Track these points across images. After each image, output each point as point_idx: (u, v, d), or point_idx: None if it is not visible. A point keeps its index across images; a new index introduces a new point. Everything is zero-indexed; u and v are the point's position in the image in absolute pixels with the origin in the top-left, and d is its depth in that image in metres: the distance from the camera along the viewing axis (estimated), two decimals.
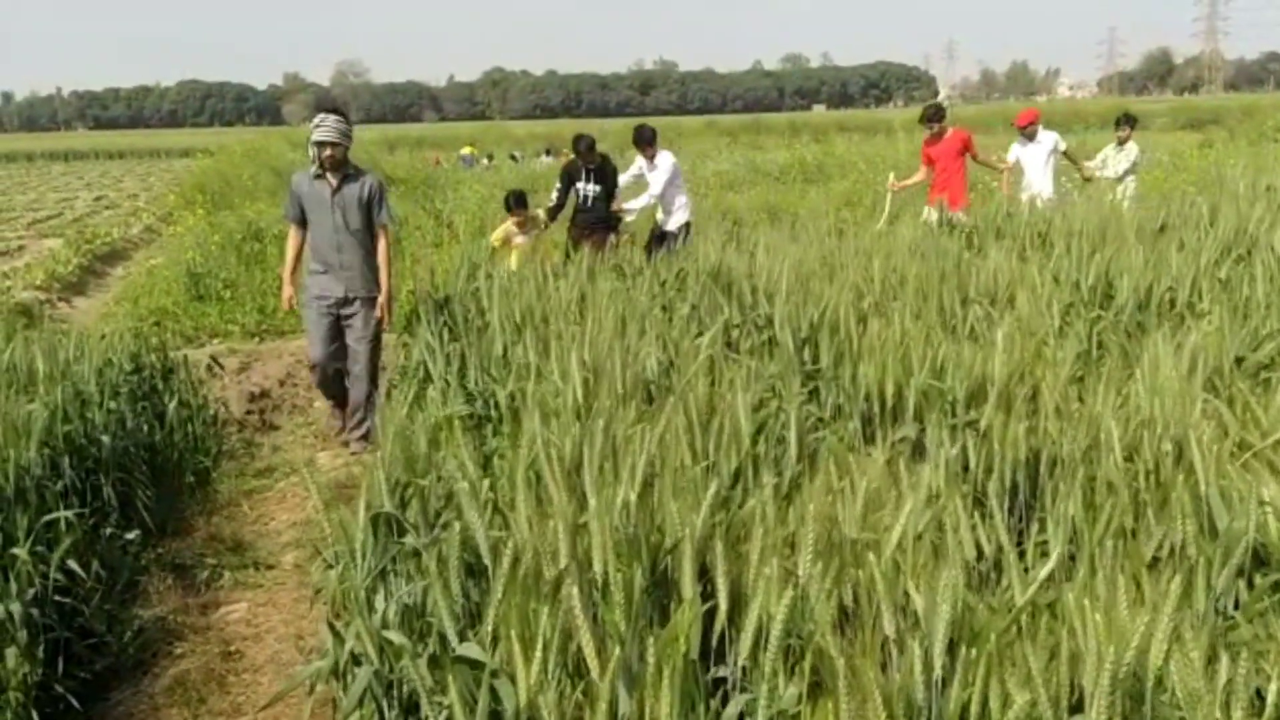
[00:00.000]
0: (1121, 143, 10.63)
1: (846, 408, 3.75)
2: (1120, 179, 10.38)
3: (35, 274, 12.44)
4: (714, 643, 2.05)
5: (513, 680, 1.87)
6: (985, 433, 3.11)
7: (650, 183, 8.94)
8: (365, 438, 5.97)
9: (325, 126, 5.86)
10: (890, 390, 3.59)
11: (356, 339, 6.11)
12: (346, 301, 6.04)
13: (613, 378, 3.24)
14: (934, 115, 9.71)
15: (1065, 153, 10.21)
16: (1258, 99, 46.94)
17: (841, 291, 4.52)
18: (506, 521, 2.39)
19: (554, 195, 8.94)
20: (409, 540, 2.39)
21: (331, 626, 2.32)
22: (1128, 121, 10.66)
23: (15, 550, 3.40)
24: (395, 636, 2.16)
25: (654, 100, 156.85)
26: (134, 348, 5.91)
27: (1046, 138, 10.07)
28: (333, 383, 6.23)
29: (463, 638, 2.10)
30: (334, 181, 5.93)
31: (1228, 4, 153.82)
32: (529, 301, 4.81)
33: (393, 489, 2.58)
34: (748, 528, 2.25)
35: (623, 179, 9.15)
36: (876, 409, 3.63)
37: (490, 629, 1.99)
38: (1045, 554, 2.61)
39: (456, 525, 2.17)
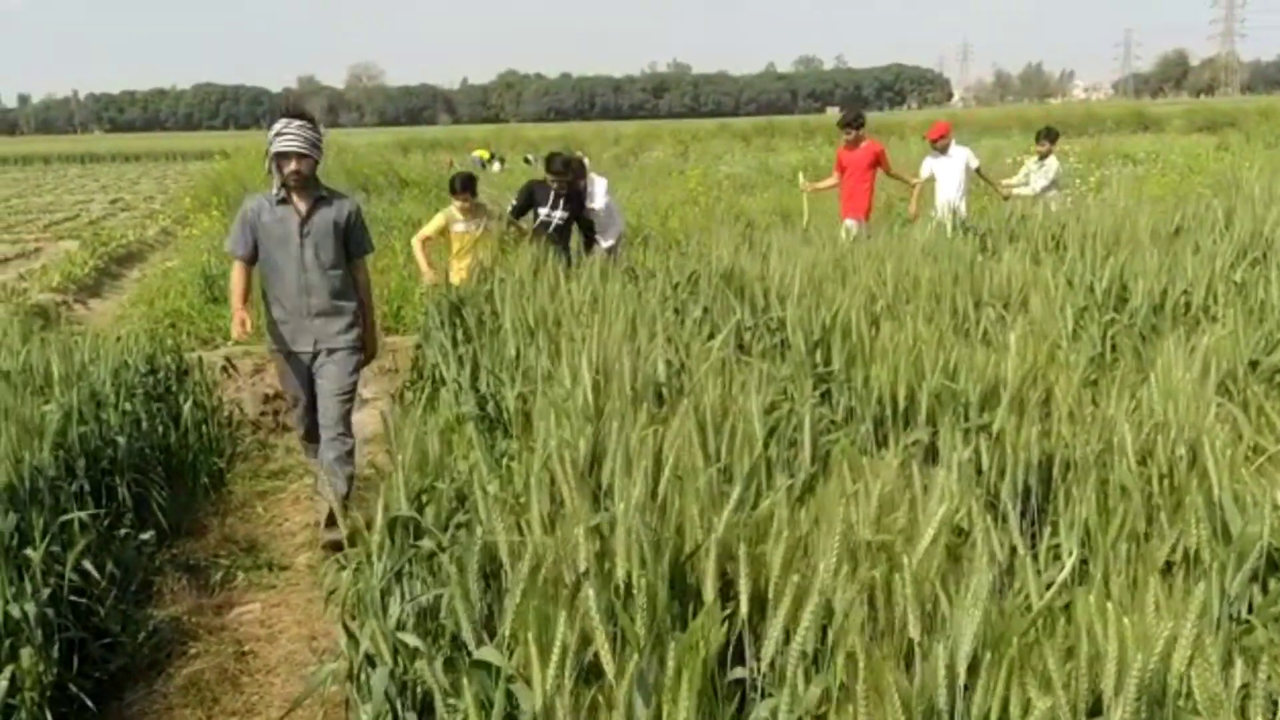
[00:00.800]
0: (1042, 157, 10.21)
1: (859, 410, 3.74)
2: (1040, 195, 9.94)
3: (52, 276, 12.52)
4: (731, 646, 2.05)
5: (528, 684, 1.87)
6: (998, 436, 3.10)
7: (594, 217, 8.30)
8: (337, 545, 3.86)
9: (289, 134, 4.54)
10: (902, 393, 3.58)
11: (331, 392, 4.80)
12: (317, 354, 4.85)
13: (623, 380, 3.24)
14: (852, 121, 9.46)
15: (978, 170, 9.94)
16: (1274, 101, 46.66)
17: (854, 294, 4.52)
18: (519, 524, 2.40)
19: (509, 207, 8.33)
20: (426, 543, 2.39)
21: (346, 628, 2.33)
22: (1048, 136, 10.25)
23: (30, 551, 3.42)
24: (411, 639, 2.16)
25: (667, 103, 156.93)
26: (149, 349, 5.94)
27: (959, 153, 9.78)
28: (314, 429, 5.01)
29: (479, 641, 2.10)
30: (302, 207, 4.69)
31: (1244, 6, 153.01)
32: (542, 304, 4.82)
33: (410, 492, 2.59)
34: (763, 530, 2.25)
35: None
36: (889, 412, 3.62)
37: (507, 632, 2.00)
38: (1059, 558, 2.61)
39: (478, 529, 2.17)
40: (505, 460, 3.09)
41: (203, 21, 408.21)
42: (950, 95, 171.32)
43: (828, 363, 4.16)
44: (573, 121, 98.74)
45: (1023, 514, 2.93)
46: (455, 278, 7.15)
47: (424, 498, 2.60)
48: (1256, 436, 3.03)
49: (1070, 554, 2.39)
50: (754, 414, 2.87)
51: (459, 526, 2.48)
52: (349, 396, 4.88)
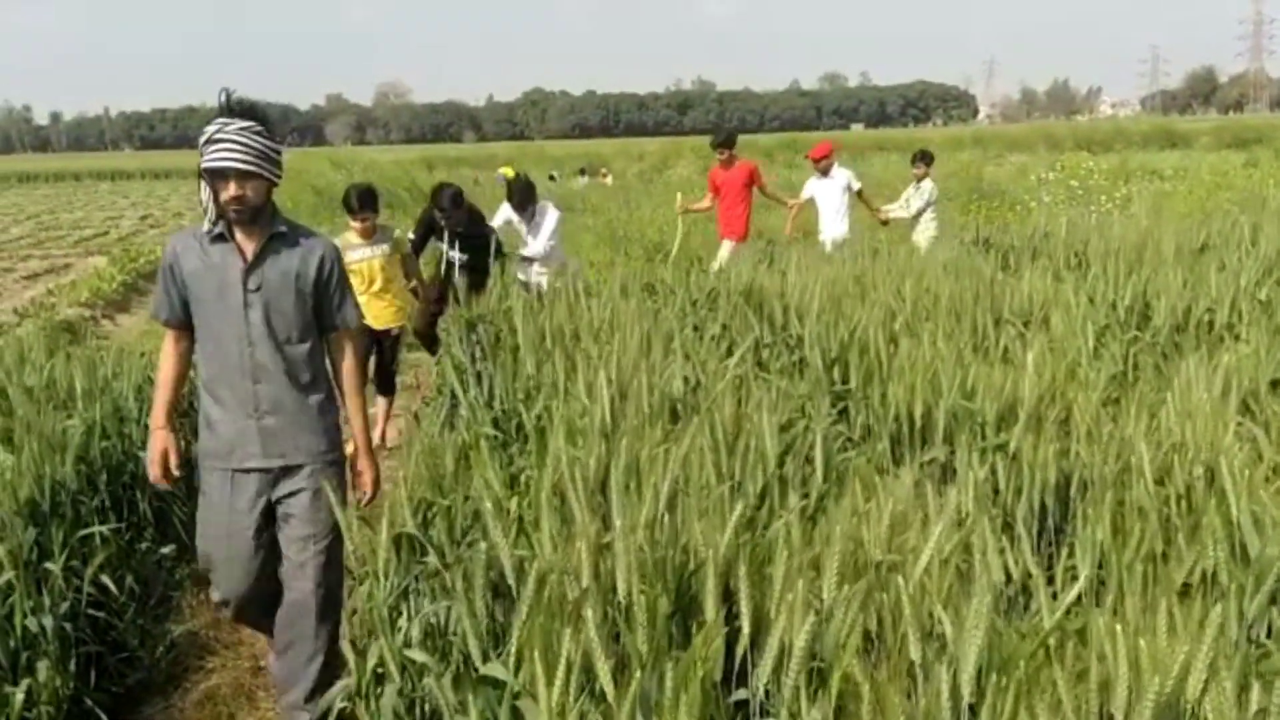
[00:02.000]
0: (919, 180, 9.99)
1: (876, 428, 3.73)
2: (916, 217, 9.88)
3: (80, 291, 12.66)
4: (736, 665, 2.04)
5: (535, 700, 1.87)
6: (1015, 455, 3.08)
7: (530, 242, 7.48)
8: None
9: (226, 143, 3.01)
10: (919, 411, 3.56)
11: (300, 541, 3.18)
12: (279, 474, 3.20)
13: (639, 397, 3.24)
14: (724, 141, 9.20)
15: (859, 192, 9.71)
16: None
17: (872, 311, 4.51)
18: (531, 541, 2.40)
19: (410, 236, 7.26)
20: (431, 560, 2.40)
21: (353, 645, 2.33)
22: (923, 159, 10.05)
23: (49, 564, 3.45)
24: (418, 655, 2.17)
25: (692, 119, 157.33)
26: None
27: (840, 175, 9.59)
28: (268, 613, 3.33)
29: (485, 658, 2.11)
30: (249, 248, 3.13)
31: (1272, 23, 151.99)
32: (559, 321, 4.83)
33: (416, 509, 2.59)
34: (773, 549, 2.24)
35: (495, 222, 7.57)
36: (906, 430, 3.61)
37: (514, 649, 1.99)
38: (1076, 579, 2.58)
39: (482, 545, 2.17)
40: (520, 477, 3.10)
41: (233, 40, 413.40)
42: (976, 112, 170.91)
43: (845, 380, 4.15)
44: (597, 138, 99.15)
45: (1039, 534, 2.91)
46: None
47: (429, 514, 2.61)
48: (1277, 456, 2.99)
49: (1085, 575, 2.36)
50: (766, 431, 2.85)
51: (470, 544, 2.48)
52: (324, 549, 3.16)
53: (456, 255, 6.95)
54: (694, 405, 3.57)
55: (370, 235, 6.22)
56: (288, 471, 3.19)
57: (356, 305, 3.32)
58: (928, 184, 9.89)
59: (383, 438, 6.46)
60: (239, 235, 3.14)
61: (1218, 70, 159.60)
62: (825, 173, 9.54)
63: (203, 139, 3.07)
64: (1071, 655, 1.95)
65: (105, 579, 3.68)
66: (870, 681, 1.70)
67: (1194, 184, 18.12)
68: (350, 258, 5.87)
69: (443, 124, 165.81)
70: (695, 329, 4.97)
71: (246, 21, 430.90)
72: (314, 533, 3.16)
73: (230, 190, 3.01)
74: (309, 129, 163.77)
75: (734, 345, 4.54)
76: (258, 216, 3.11)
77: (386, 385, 6.71)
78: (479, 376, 4.56)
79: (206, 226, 3.15)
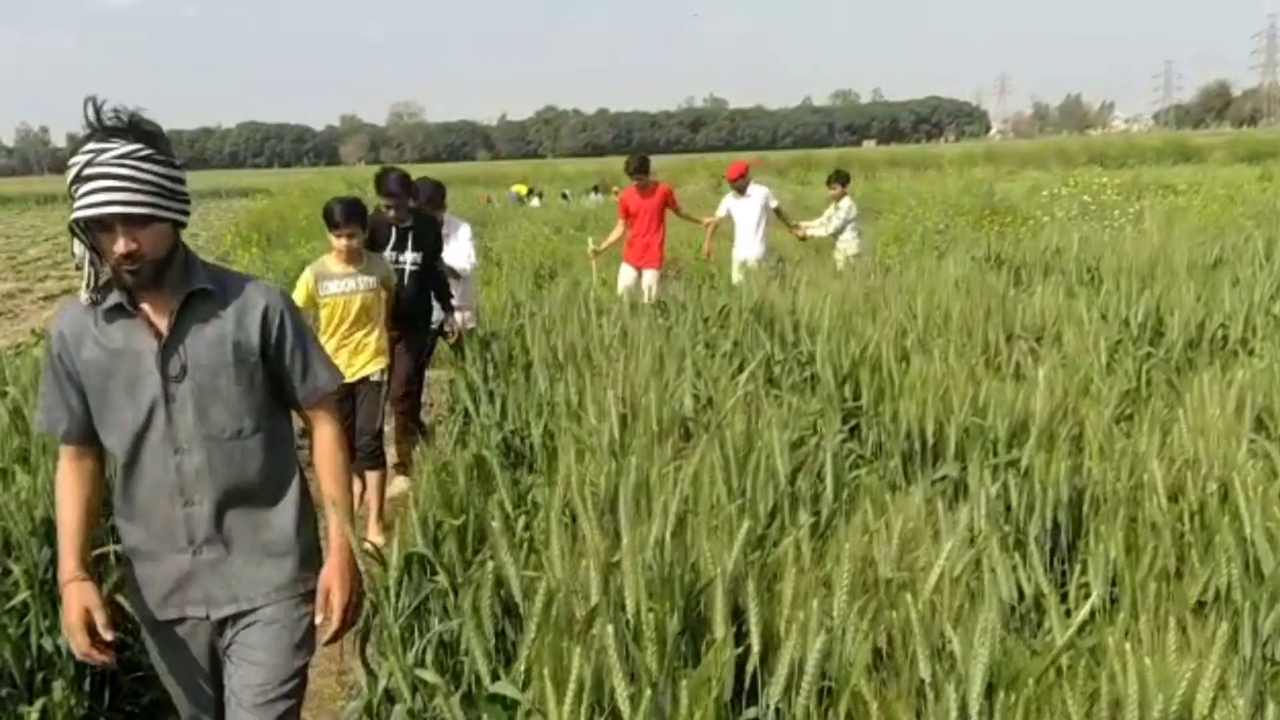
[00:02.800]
0: (836, 200, 9.94)
1: (887, 445, 3.73)
2: (835, 236, 9.83)
3: None
4: (747, 683, 2.04)
5: (545, 718, 1.87)
6: (1027, 472, 3.07)
7: (448, 256, 6.21)
8: None
9: (102, 180, 2.07)
10: (931, 428, 3.56)
11: (255, 688, 2.29)
12: (224, 623, 2.33)
13: (649, 415, 3.25)
14: (640, 166, 8.83)
15: (778, 209, 9.66)
16: None
17: (883, 328, 4.51)
18: (542, 559, 2.41)
19: None
20: (441, 579, 2.41)
21: (365, 664, 2.34)
22: (839, 179, 10.02)
23: None
24: (428, 675, 2.17)
25: (704, 137, 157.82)
26: None
27: (757, 193, 9.46)
28: None
29: (496, 676, 2.11)
30: (159, 319, 2.23)
31: None
32: (571, 339, 4.84)
33: (426, 528, 2.60)
34: (782, 567, 2.24)
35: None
36: (918, 447, 3.60)
37: (523, 668, 2.00)
38: (1089, 596, 2.57)
39: (489, 564, 2.18)
40: (530, 495, 3.10)
41: (247, 62, 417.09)
42: (988, 127, 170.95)
43: (857, 397, 4.15)
44: (610, 156, 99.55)
45: (1052, 551, 2.90)
46: None
47: (439, 533, 2.62)
48: None
49: (1097, 593, 2.35)
50: (776, 449, 2.85)
51: (481, 563, 2.49)
52: (286, 710, 2.29)
53: (408, 260, 5.62)
54: (705, 422, 3.58)
55: (355, 261, 4.94)
56: (235, 624, 2.29)
57: (329, 363, 2.37)
58: (846, 202, 9.89)
59: (379, 514, 5.13)
60: (144, 304, 2.18)
61: (1231, 84, 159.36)
62: (742, 191, 9.40)
63: (69, 176, 2.10)
64: (1084, 674, 1.94)
65: (120, 598, 3.69)
66: (880, 700, 1.70)
67: (1208, 198, 18.05)
68: (327, 290, 4.91)
69: (456, 143, 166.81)
70: (707, 346, 4.98)
71: (261, 43, 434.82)
72: (271, 682, 2.26)
73: (119, 245, 2.05)
74: (324, 149, 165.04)
75: (745, 362, 4.55)
76: (164, 273, 2.15)
77: (371, 453, 5.11)
78: (491, 395, 4.57)
79: (89, 297, 2.18)
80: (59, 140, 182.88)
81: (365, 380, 5.07)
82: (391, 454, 5.91)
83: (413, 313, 5.62)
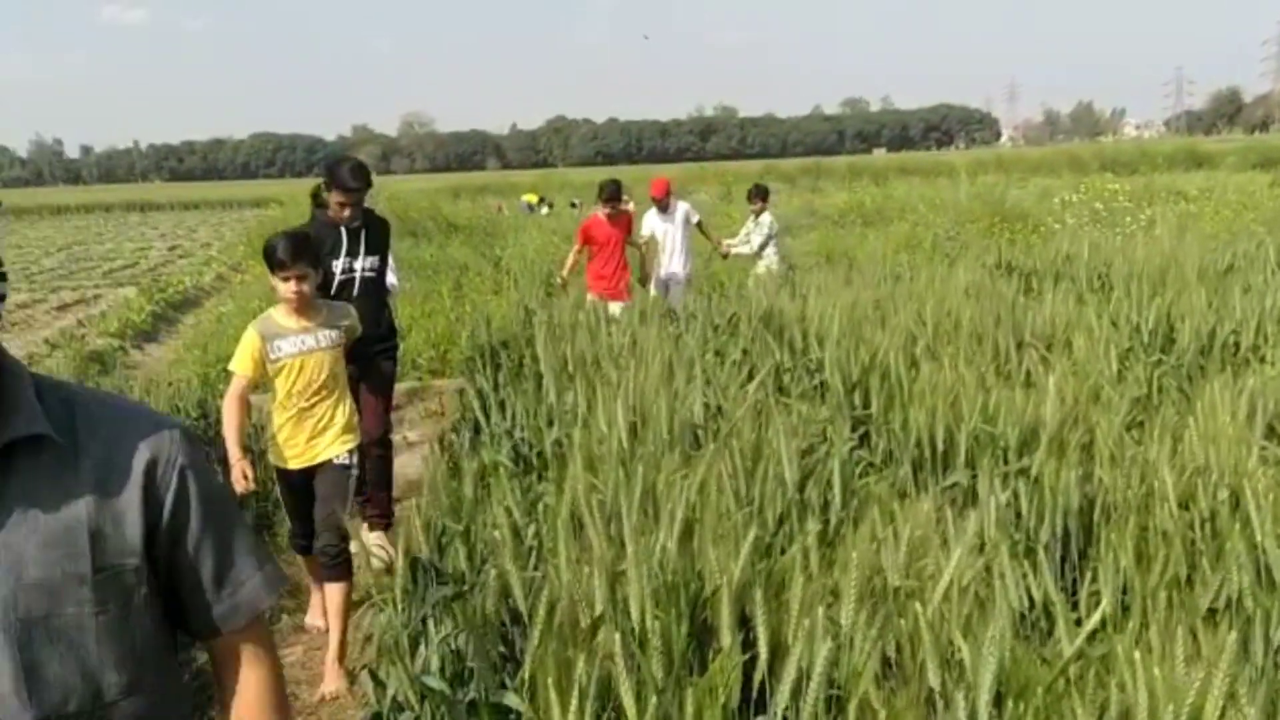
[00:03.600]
0: (756, 215, 9.76)
1: (897, 453, 3.72)
2: (758, 253, 9.69)
3: (110, 322, 12.82)
4: (755, 692, 2.03)
5: None
6: (1037, 479, 3.06)
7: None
8: None
9: None
10: (941, 436, 3.55)
11: None
12: None
13: (658, 423, 3.25)
14: (614, 194, 8.42)
15: (699, 225, 9.39)
16: None
17: (893, 336, 4.50)
18: (550, 568, 2.41)
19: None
20: (447, 588, 2.41)
21: (373, 673, 2.34)
22: (759, 195, 9.84)
23: None
24: (434, 683, 2.17)
25: (714, 145, 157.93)
26: (200, 394, 6.05)
27: (680, 209, 9.11)
28: None
29: (503, 684, 2.11)
30: None
31: None
32: (581, 348, 4.85)
33: (431, 536, 2.61)
34: (790, 574, 2.24)
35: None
36: (927, 454, 3.59)
37: (528, 676, 2.00)
38: (1099, 604, 2.56)
39: (492, 572, 2.18)
40: (539, 504, 3.10)
41: (260, 73, 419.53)
42: (999, 135, 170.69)
43: (866, 405, 4.14)
44: (620, 165, 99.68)
45: (1062, 559, 2.89)
46: (276, 457, 4.07)
47: (443, 541, 2.62)
48: None
49: (1107, 601, 2.34)
50: (784, 457, 2.85)
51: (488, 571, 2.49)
52: None
53: (363, 266, 4.74)
54: (715, 430, 3.58)
55: (310, 312, 3.92)
56: None
57: (262, 558, 1.40)
58: (766, 218, 9.77)
59: (340, 648, 3.91)
60: None
61: (1242, 90, 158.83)
62: (665, 210, 8.99)
63: None
64: (1093, 682, 1.93)
65: None
66: (888, 708, 1.69)
67: (1219, 205, 18.00)
68: (279, 351, 3.87)
69: (467, 153, 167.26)
70: (716, 354, 4.98)
71: (273, 55, 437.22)
72: None
73: None
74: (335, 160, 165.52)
75: (755, 370, 4.54)
76: None
77: (334, 558, 3.93)
78: (502, 404, 4.58)
79: None
80: (72, 151, 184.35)
81: (328, 464, 3.98)
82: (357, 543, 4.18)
83: (374, 334, 4.65)
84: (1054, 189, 23.16)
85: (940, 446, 3.56)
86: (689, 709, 1.79)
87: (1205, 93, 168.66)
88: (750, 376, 4.37)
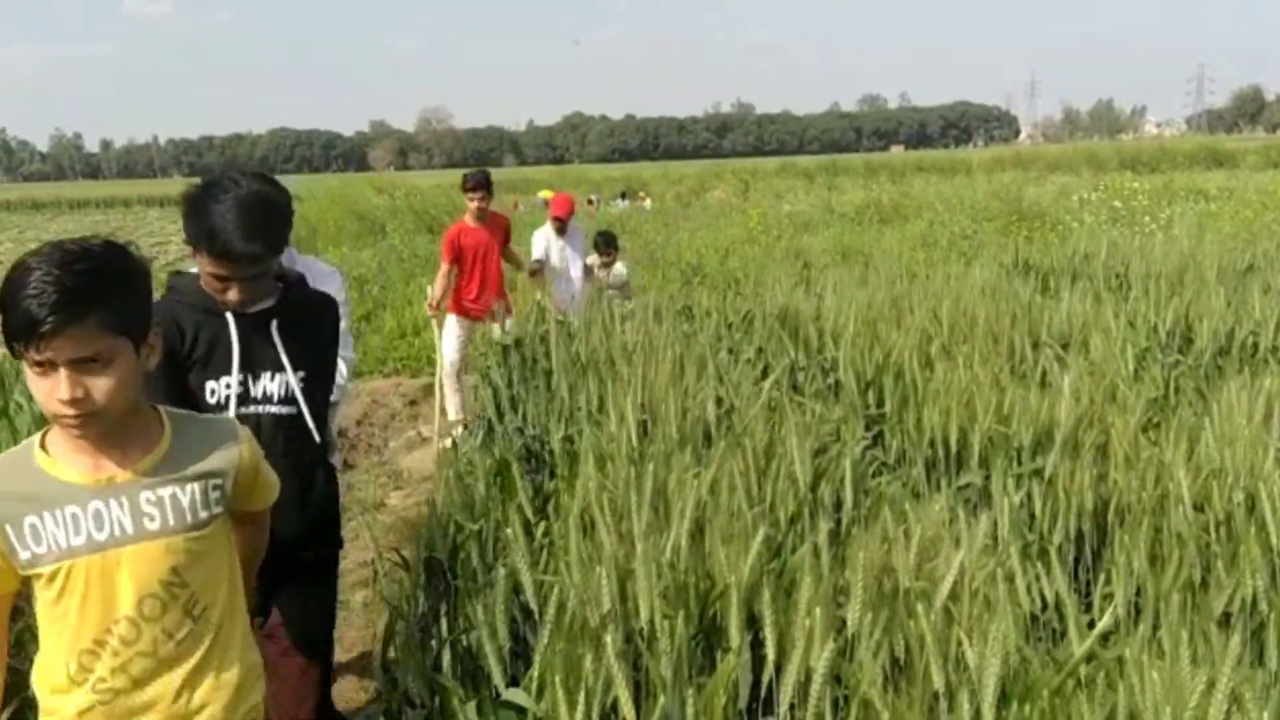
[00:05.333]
0: (607, 267, 8.57)
1: (910, 453, 3.70)
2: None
3: None
4: (763, 693, 2.03)
5: None
6: (1051, 481, 3.05)
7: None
8: None
9: None
10: (955, 436, 3.53)
11: None
12: None
13: (668, 421, 3.25)
14: (480, 183, 7.26)
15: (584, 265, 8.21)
16: None
17: (907, 335, 4.48)
18: (561, 565, 2.41)
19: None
20: (459, 584, 2.41)
21: (385, 669, 2.35)
22: (608, 244, 8.63)
23: None
24: (446, 681, 2.18)
25: (731, 142, 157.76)
26: None
27: (575, 232, 8.23)
28: None
29: (513, 682, 2.11)
30: None
31: None
32: (593, 345, 4.84)
33: (445, 533, 2.61)
34: (799, 574, 2.23)
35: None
36: (941, 454, 3.58)
37: (537, 674, 2.00)
38: (1113, 606, 2.54)
39: (501, 570, 2.19)
40: (550, 501, 3.10)
41: (279, 68, 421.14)
42: (1018, 132, 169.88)
43: (880, 404, 4.13)
44: (637, 162, 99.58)
45: (1076, 561, 2.87)
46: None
47: (458, 538, 2.62)
48: None
49: (1120, 603, 2.33)
50: (795, 456, 2.84)
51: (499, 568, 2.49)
52: None
53: (278, 386, 2.45)
54: (727, 428, 3.57)
55: (119, 441, 1.74)
56: None
57: None
58: (619, 266, 8.79)
59: None
60: None
61: (1264, 88, 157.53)
62: (562, 233, 7.93)
63: None
64: (1103, 685, 1.92)
65: None
66: (892, 709, 1.69)
67: (1240, 204, 17.86)
68: (38, 543, 1.69)
69: (484, 149, 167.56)
70: (730, 352, 4.97)
71: (292, 50, 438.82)
72: None
73: None
74: (353, 155, 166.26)
75: (769, 368, 4.53)
76: None
77: None
78: (514, 401, 4.58)
79: None
80: (92, 146, 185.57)
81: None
82: None
83: (295, 531, 2.37)
84: (1073, 187, 23.03)
85: (954, 447, 3.55)
86: (690, 709, 1.78)
87: (1227, 91, 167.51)
88: (764, 375, 4.36)
